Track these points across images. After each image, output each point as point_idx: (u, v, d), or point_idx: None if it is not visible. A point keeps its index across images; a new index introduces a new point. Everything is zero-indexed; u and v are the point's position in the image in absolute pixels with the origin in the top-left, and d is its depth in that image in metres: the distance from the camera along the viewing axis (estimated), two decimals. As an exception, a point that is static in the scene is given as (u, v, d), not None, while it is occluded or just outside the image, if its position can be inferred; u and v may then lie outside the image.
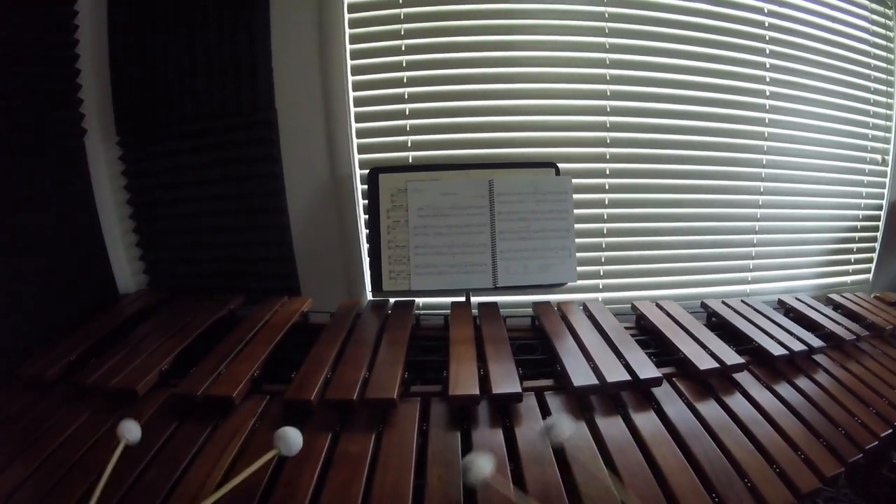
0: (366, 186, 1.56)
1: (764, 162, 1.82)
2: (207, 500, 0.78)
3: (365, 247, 1.68)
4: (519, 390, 1.06)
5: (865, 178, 2.00)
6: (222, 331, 1.34)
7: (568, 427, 0.87)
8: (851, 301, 1.77)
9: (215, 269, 1.70)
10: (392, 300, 1.53)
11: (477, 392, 1.05)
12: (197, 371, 1.14)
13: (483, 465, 0.77)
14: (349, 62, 1.61)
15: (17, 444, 0.98)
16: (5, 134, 1.31)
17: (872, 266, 2.08)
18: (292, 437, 0.85)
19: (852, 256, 2.06)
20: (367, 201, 1.57)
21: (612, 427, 1.03)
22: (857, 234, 2.04)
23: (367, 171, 1.55)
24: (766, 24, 1.74)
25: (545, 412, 1.07)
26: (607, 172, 1.72)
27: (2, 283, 1.28)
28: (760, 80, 1.76)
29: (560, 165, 1.57)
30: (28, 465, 0.92)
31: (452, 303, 1.52)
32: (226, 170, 1.61)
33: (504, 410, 1.06)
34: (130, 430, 0.90)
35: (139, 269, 1.72)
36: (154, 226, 1.69)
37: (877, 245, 2.07)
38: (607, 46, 1.65)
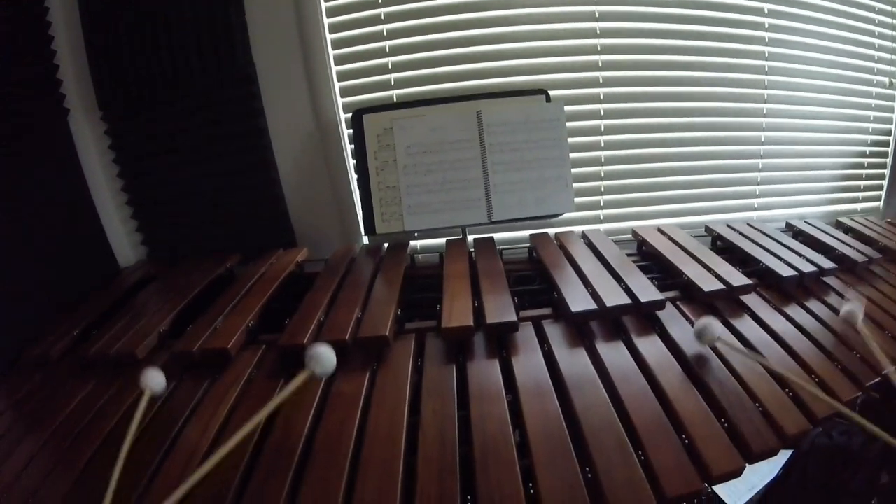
0: (351, 130, 1.51)
1: (766, 82, 1.73)
2: (242, 431, 0.77)
3: (357, 192, 1.64)
4: (514, 319, 1.03)
5: (873, 102, 1.89)
6: (221, 289, 1.32)
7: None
8: (862, 225, 1.70)
9: (212, 232, 1.67)
10: (386, 244, 1.51)
11: (471, 323, 1.03)
12: (193, 329, 1.13)
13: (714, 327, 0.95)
14: (323, 4, 1.53)
15: (28, 420, 0.99)
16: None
17: (883, 193, 2.00)
18: (325, 355, 0.84)
19: (862, 183, 1.97)
20: (353, 145, 1.52)
21: (613, 353, 0.99)
22: (866, 160, 1.95)
23: (350, 115, 1.50)
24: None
25: (543, 341, 1.04)
26: (601, 97, 1.64)
27: (1, 271, 1.26)
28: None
29: (551, 92, 1.51)
30: (40, 437, 0.92)
31: (448, 240, 1.49)
32: (211, 130, 1.56)
33: (500, 341, 1.03)
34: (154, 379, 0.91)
35: (137, 240, 1.70)
36: (147, 196, 1.65)
37: (887, 171, 1.98)
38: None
